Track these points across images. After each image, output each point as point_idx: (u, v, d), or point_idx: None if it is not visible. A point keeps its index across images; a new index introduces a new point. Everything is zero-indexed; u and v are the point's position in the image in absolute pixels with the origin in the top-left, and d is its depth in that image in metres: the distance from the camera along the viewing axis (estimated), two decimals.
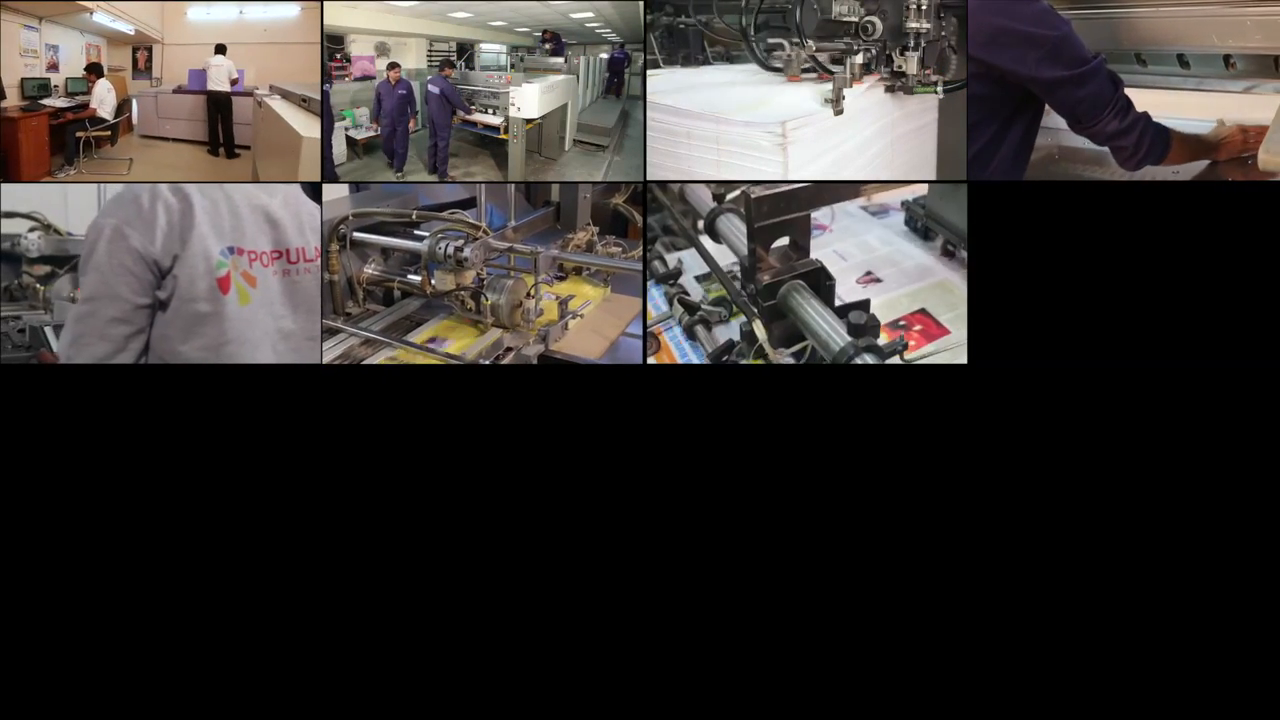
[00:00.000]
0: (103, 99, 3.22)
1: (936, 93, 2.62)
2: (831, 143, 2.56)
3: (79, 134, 3.10)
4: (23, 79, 2.94)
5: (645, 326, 2.72)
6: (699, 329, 2.84)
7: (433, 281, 3.03)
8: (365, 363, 2.75)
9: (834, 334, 2.37)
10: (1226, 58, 2.39)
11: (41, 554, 2.45)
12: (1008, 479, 2.35)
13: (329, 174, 2.71)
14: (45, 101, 3.04)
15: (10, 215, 3.27)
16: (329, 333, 2.81)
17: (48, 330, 3.03)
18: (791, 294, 2.53)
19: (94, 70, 3.21)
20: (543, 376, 2.57)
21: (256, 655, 2.39)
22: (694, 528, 2.39)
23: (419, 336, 3.01)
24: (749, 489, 2.39)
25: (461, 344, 2.92)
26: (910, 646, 2.33)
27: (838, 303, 2.51)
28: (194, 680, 2.39)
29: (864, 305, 2.55)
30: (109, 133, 3.20)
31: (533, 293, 2.99)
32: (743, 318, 2.65)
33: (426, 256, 3.01)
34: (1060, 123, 2.59)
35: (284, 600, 2.41)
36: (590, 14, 3.00)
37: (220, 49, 3.17)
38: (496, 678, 2.36)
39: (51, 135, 3.03)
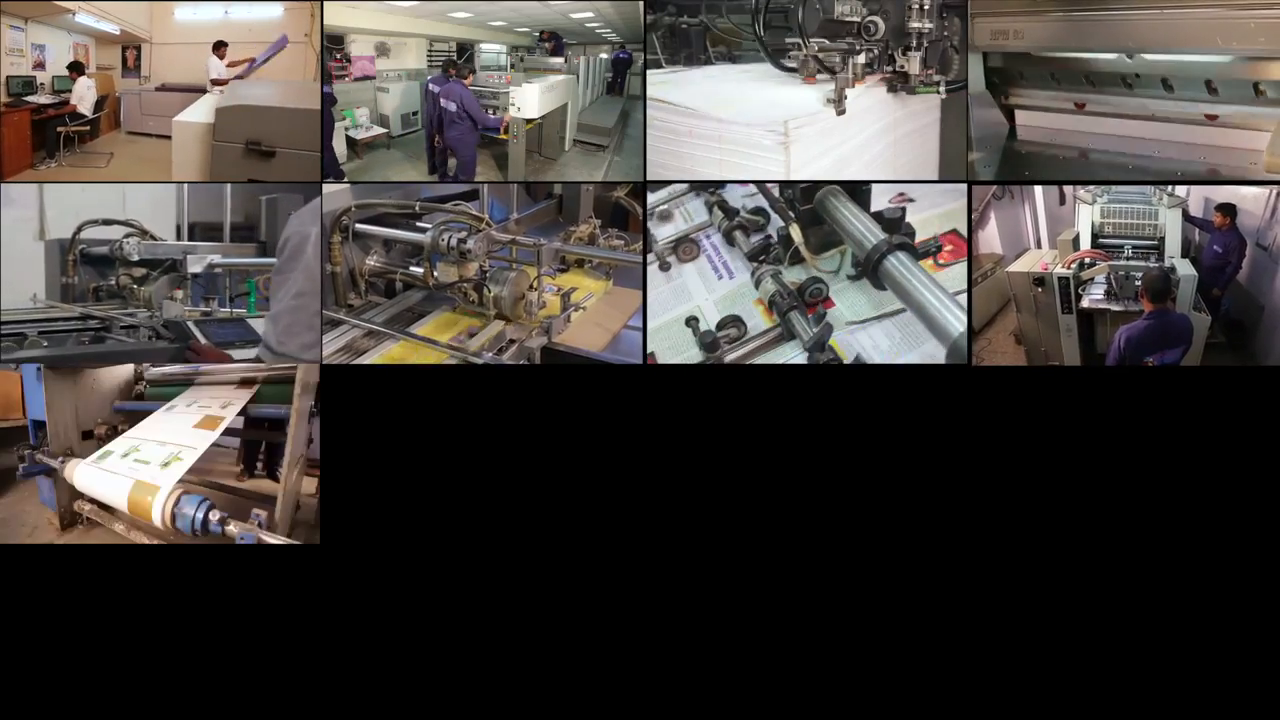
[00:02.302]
0: (82, 95, 3.22)
1: (939, 93, 2.67)
2: (833, 142, 2.60)
3: (59, 129, 3.11)
4: (7, 77, 2.91)
5: (645, 324, 2.70)
6: (737, 234, 2.92)
7: (435, 273, 3.03)
8: (365, 355, 2.76)
9: (868, 233, 2.43)
10: (1208, 82, 2.47)
11: None
12: (1006, 478, 2.39)
13: (330, 172, 2.75)
14: (28, 98, 3.03)
15: (109, 222, 3.31)
16: (331, 324, 2.84)
17: (190, 324, 3.09)
18: (829, 197, 2.59)
19: (75, 68, 3.22)
20: (544, 375, 2.60)
21: (265, 649, 2.41)
22: (695, 524, 2.42)
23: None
24: (750, 486, 2.42)
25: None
26: (911, 644, 2.38)
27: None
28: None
29: (900, 210, 2.60)
30: (88, 128, 3.22)
31: (535, 285, 3.00)
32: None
33: (429, 248, 3.01)
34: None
35: (287, 595, 2.43)
36: (590, 14, 3.02)
37: (219, 46, 3.18)
38: (499, 673, 2.39)
39: (34, 131, 3.03)
